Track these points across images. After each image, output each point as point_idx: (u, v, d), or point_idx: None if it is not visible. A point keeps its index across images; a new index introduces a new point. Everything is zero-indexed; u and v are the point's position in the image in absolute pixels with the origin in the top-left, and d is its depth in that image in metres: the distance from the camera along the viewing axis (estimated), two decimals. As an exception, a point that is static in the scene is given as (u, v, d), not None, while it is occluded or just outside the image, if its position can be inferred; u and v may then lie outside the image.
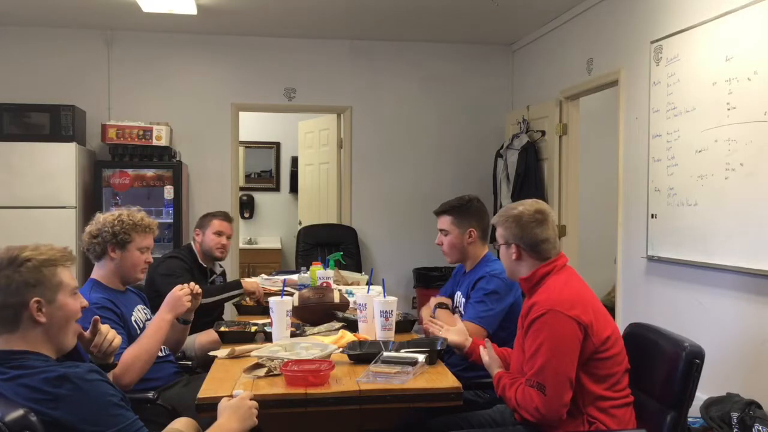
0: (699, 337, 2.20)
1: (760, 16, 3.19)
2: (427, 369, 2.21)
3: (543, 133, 5.44)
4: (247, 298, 3.49)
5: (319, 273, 3.47)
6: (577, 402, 2.01)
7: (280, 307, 2.55)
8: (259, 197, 7.92)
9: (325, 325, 2.81)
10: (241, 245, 7.04)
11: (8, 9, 5.24)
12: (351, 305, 2.99)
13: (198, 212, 4.47)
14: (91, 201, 5.31)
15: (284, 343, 2.38)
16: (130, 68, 5.85)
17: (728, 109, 3.37)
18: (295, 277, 3.74)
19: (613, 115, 4.66)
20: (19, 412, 1.44)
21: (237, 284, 3.53)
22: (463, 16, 5.40)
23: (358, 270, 5.33)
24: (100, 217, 2.61)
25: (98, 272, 2.59)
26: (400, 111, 6.28)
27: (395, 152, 6.29)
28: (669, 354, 2.06)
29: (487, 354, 2.32)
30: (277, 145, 7.92)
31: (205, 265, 3.72)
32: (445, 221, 2.93)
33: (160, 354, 2.53)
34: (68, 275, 1.68)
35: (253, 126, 7.37)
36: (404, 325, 2.83)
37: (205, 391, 2.01)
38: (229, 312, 4.46)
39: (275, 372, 2.13)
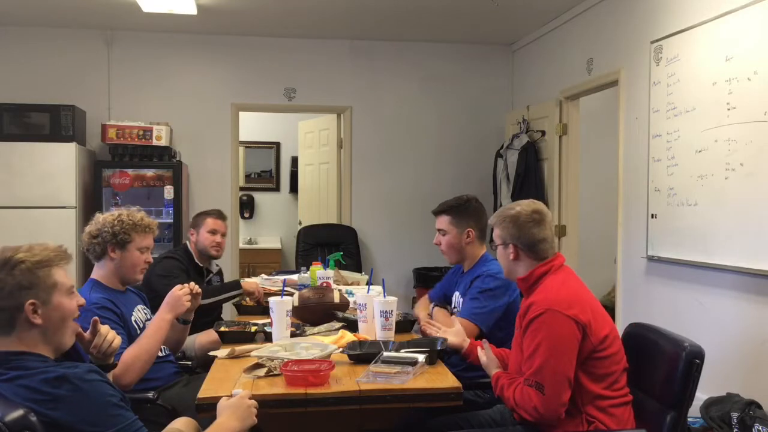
0: (699, 337, 2.20)
1: (760, 16, 3.19)
2: (427, 369, 2.21)
3: (543, 133, 5.44)
4: (247, 299, 3.49)
5: (319, 273, 3.47)
6: (575, 401, 2.02)
7: (280, 307, 2.55)
8: (259, 197, 7.92)
9: (325, 325, 2.81)
10: (241, 245, 7.04)
11: (8, 9, 5.24)
12: (351, 305, 2.99)
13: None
14: (91, 201, 5.31)
15: (284, 343, 2.39)
16: (130, 68, 5.85)
17: (728, 109, 3.37)
18: (295, 277, 3.74)
19: (613, 115, 4.66)
20: (19, 412, 1.44)
21: (236, 285, 3.53)
22: (463, 16, 5.40)
23: (358, 270, 5.33)
24: (100, 217, 2.61)
25: (98, 272, 2.59)
26: (400, 111, 6.28)
27: (395, 152, 6.29)
28: (669, 354, 2.06)
29: (485, 354, 2.32)
30: (277, 145, 7.92)
31: (201, 265, 3.72)
32: (443, 221, 2.94)
33: (160, 354, 2.53)
34: (63, 275, 1.66)
35: (253, 126, 7.37)
36: (404, 325, 2.84)
37: (205, 391, 2.01)
38: (229, 312, 4.47)
39: (275, 372, 2.13)
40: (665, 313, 3.96)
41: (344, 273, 3.98)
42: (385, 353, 2.27)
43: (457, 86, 6.33)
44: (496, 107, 6.32)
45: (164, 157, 5.54)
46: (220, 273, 3.93)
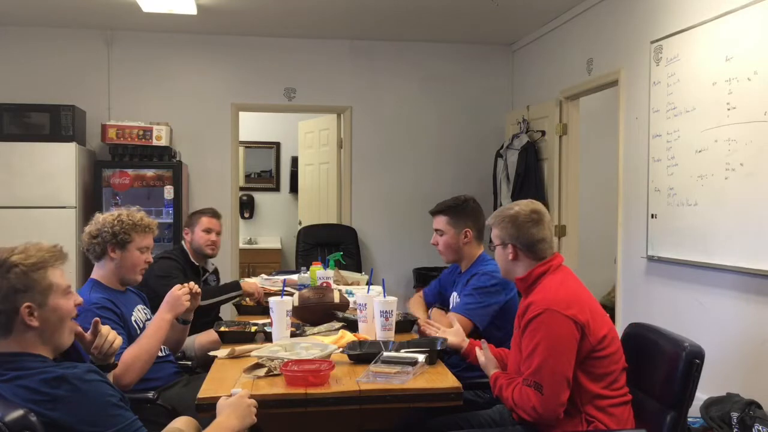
0: (699, 337, 2.20)
1: (760, 16, 3.19)
2: (427, 369, 2.21)
3: (543, 133, 5.44)
4: (247, 299, 3.49)
5: (319, 273, 3.47)
6: (575, 401, 2.02)
7: (280, 307, 2.55)
8: (259, 197, 7.91)
9: (325, 325, 2.81)
10: (241, 245, 7.03)
11: (8, 9, 5.24)
12: (351, 305, 2.99)
13: (198, 212, 4.47)
14: (91, 201, 5.31)
15: (284, 343, 2.39)
16: (130, 68, 5.85)
17: (728, 109, 3.37)
18: (295, 277, 3.74)
19: (613, 115, 4.66)
20: (19, 412, 1.44)
21: (236, 285, 3.53)
22: (463, 16, 5.40)
23: (358, 270, 5.33)
24: (100, 217, 2.61)
25: (98, 272, 2.59)
26: (400, 111, 6.28)
27: (395, 152, 6.29)
28: (669, 354, 2.06)
29: (483, 355, 2.32)
30: (277, 145, 7.92)
31: (197, 264, 3.71)
32: (440, 221, 2.94)
33: (160, 354, 2.53)
34: (59, 275, 1.65)
35: (253, 126, 7.37)
36: (404, 325, 2.83)
37: (205, 391, 2.01)
38: (229, 312, 4.47)
39: (275, 372, 2.13)
40: (665, 313, 3.96)
41: (344, 273, 3.98)
42: (385, 353, 2.27)
43: (457, 86, 6.33)
44: (496, 107, 6.32)
45: (164, 157, 5.54)
46: (216, 272, 3.93)
